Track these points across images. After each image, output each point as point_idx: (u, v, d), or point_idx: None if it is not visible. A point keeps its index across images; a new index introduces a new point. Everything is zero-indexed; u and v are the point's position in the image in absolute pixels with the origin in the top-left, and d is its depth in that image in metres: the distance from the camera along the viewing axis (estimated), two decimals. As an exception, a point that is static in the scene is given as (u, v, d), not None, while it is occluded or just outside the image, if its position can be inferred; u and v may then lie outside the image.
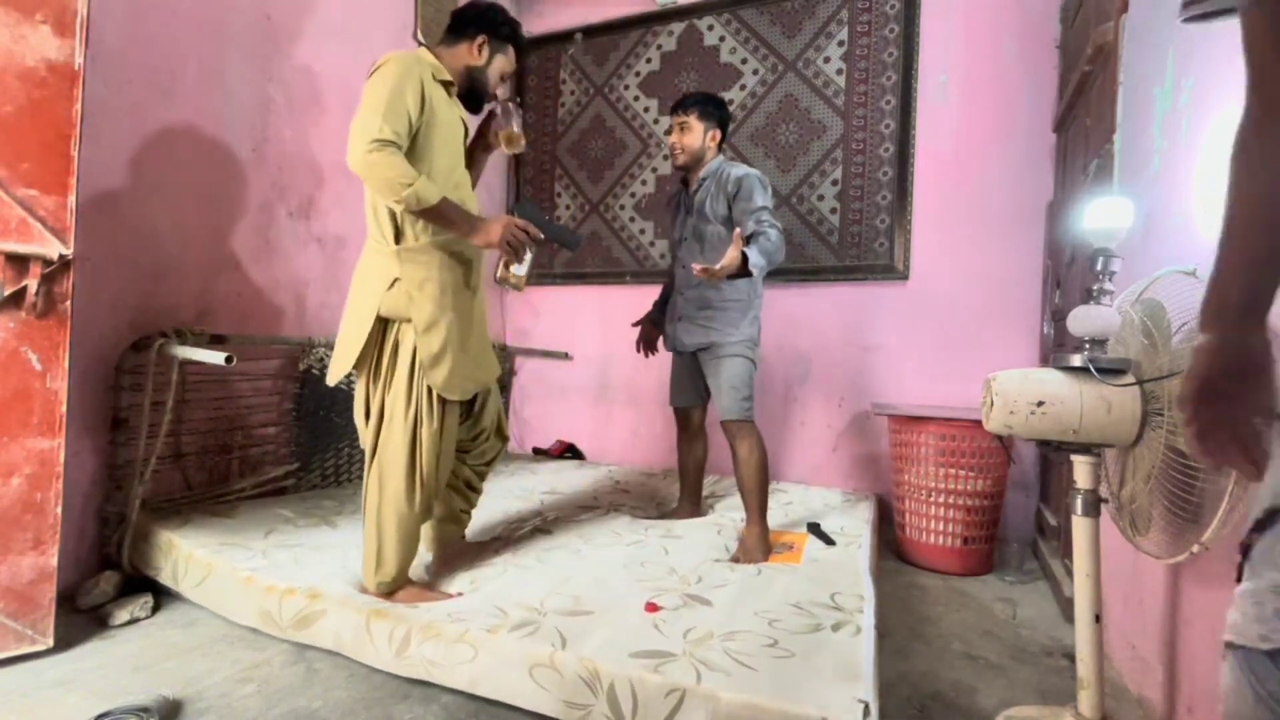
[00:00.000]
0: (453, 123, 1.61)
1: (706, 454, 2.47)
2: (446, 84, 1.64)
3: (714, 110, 2.21)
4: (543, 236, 1.60)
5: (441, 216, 1.51)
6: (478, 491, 1.95)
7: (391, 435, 1.61)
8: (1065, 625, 1.91)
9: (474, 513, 1.98)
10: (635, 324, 2.51)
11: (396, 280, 1.57)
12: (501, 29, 1.70)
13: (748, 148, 3.27)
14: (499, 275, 1.65)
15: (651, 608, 1.55)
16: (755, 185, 2.09)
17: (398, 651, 1.44)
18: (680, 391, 2.39)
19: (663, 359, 3.57)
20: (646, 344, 2.47)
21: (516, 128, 1.70)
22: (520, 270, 1.61)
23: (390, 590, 1.63)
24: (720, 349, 2.12)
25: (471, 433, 1.84)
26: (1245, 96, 0.68)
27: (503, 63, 1.73)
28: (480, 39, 1.68)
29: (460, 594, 1.67)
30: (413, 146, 1.53)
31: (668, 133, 2.27)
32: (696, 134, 2.18)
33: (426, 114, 1.53)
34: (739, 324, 2.12)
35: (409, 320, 1.58)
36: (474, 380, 1.71)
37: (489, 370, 1.78)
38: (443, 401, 1.63)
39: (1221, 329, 0.69)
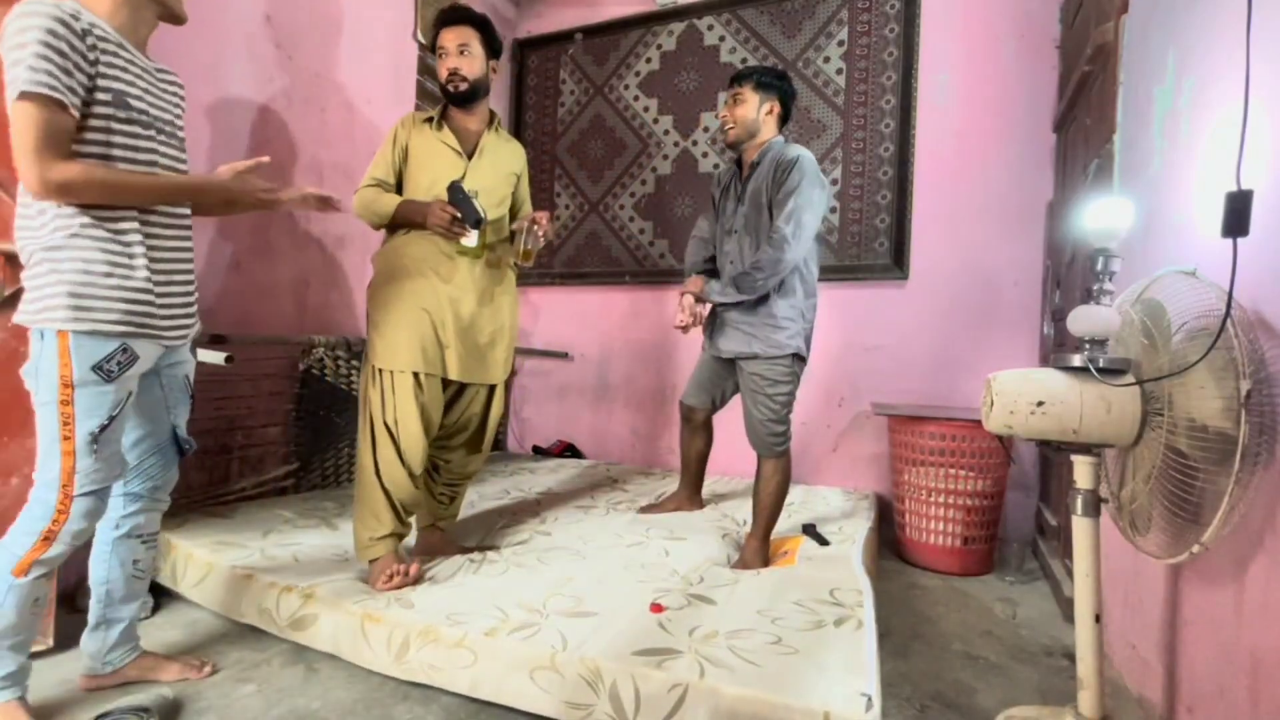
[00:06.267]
0: (430, 150, 1.83)
1: (710, 447, 2.43)
2: (428, 120, 1.86)
3: (774, 82, 2.00)
4: (459, 214, 1.73)
5: (403, 218, 1.78)
6: (443, 484, 1.97)
7: (359, 409, 1.81)
8: (1065, 625, 1.91)
9: (470, 512, 1.98)
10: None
11: (371, 279, 1.83)
12: (433, 41, 1.86)
13: (748, 148, 3.28)
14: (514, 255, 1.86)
15: (657, 608, 1.55)
16: (802, 174, 1.86)
17: (397, 656, 1.44)
18: (699, 391, 2.28)
19: (662, 359, 3.59)
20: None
21: (530, 245, 1.83)
22: (469, 243, 1.77)
23: (368, 557, 1.72)
24: (762, 364, 1.95)
25: (444, 419, 1.89)
26: None
27: (441, 50, 1.82)
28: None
29: (420, 570, 1.70)
30: (401, 178, 1.85)
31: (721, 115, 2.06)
32: (751, 105, 1.98)
33: (404, 156, 1.84)
34: (788, 334, 1.94)
35: None
36: (428, 362, 1.74)
37: (462, 366, 1.80)
38: (391, 373, 1.72)
39: None
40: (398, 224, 1.79)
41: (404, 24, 3.07)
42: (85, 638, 1.38)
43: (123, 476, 1.31)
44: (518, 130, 3.87)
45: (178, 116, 1.36)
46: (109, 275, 1.18)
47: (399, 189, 1.84)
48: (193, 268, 1.38)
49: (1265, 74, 1.07)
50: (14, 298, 1.47)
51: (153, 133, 1.25)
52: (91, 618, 1.38)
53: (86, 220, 1.16)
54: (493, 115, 1.93)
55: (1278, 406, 1.02)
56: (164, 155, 1.28)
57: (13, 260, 1.46)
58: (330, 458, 2.63)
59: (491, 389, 1.93)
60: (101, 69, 1.15)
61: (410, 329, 1.72)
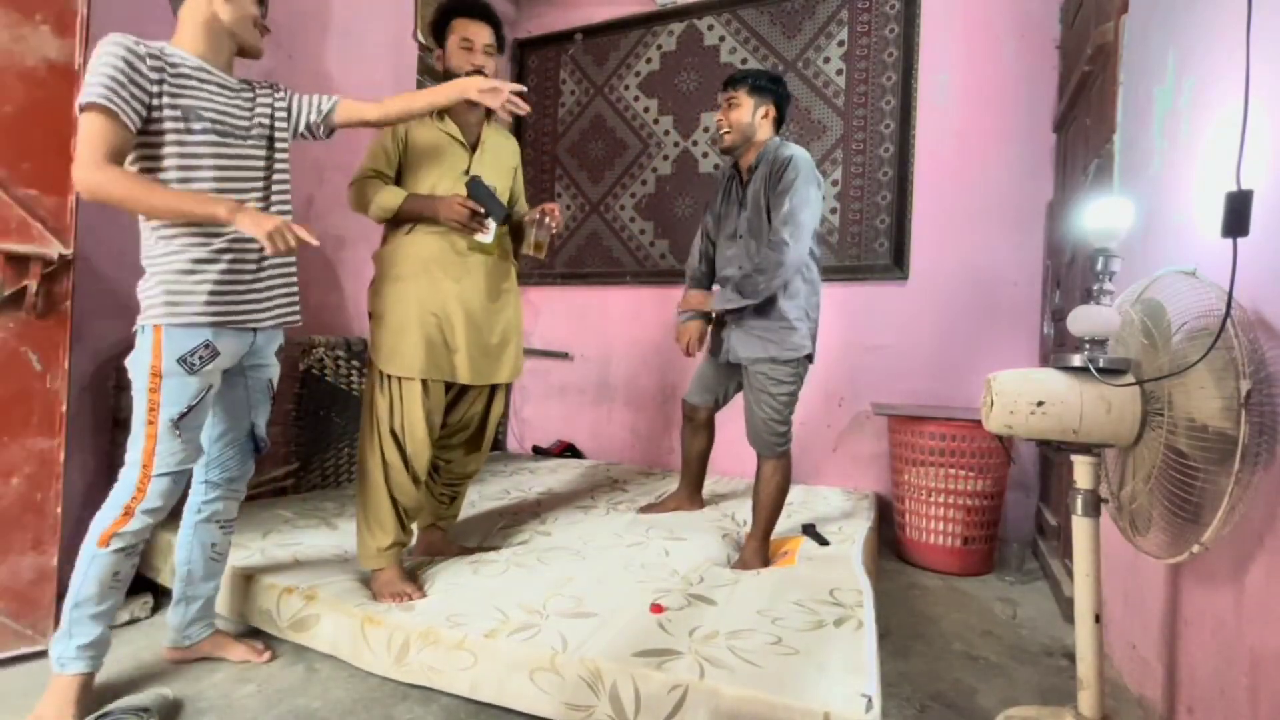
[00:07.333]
0: (434, 142, 1.79)
1: (711, 446, 2.43)
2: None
3: (768, 85, 2.00)
4: (482, 210, 1.70)
5: (411, 213, 1.73)
6: (444, 484, 1.96)
7: (361, 412, 1.78)
8: (1065, 625, 1.91)
9: (471, 512, 1.97)
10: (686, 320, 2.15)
11: (373, 278, 1.81)
12: (437, 24, 1.82)
13: (748, 148, 3.27)
14: (521, 249, 1.85)
15: (657, 608, 1.55)
16: (796, 173, 1.85)
17: (397, 658, 1.44)
18: (703, 390, 2.28)
19: (663, 359, 3.59)
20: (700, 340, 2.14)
21: (542, 237, 1.81)
22: (485, 238, 1.73)
23: (372, 567, 1.68)
24: (772, 367, 1.93)
25: (446, 420, 1.87)
26: None
27: (453, 41, 1.79)
28: (438, 49, 1.84)
29: (424, 594, 1.63)
30: (402, 171, 1.80)
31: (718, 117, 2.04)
32: (746, 109, 1.97)
33: (404, 147, 1.79)
34: (800, 335, 1.93)
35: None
36: (436, 368, 1.72)
37: (473, 368, 1.78)
38: (398, 379, 1.70)
39: None
40: (402, 219, 1.75)
41: (404, 24, 3.07)
42: (169, 613, 1.53)
43: (198, 462, 1.42)
44: (518, 130, 3.87)
45: (265, 120, 1.46)
46: (195, 272, 1.32)
47: (397, 181, 1.80)
48: (293, 258, 1.48)
49: (1265, 74, 1.07)
50: (14, 297, 1.47)
51: (229, 139, 1.38)
52: (174, 595, 1.53)
53: (177, 229, 1.31)
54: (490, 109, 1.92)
55: (1278, 406, 1.03)
56: (235, 157, 1.39)
57: (13, 260, 1.46)
58: (330, 458, 2.63)
59: (494, 388, 1.92)
60: (168, 88, 1.29)
61: (417, 333, 1.70)
